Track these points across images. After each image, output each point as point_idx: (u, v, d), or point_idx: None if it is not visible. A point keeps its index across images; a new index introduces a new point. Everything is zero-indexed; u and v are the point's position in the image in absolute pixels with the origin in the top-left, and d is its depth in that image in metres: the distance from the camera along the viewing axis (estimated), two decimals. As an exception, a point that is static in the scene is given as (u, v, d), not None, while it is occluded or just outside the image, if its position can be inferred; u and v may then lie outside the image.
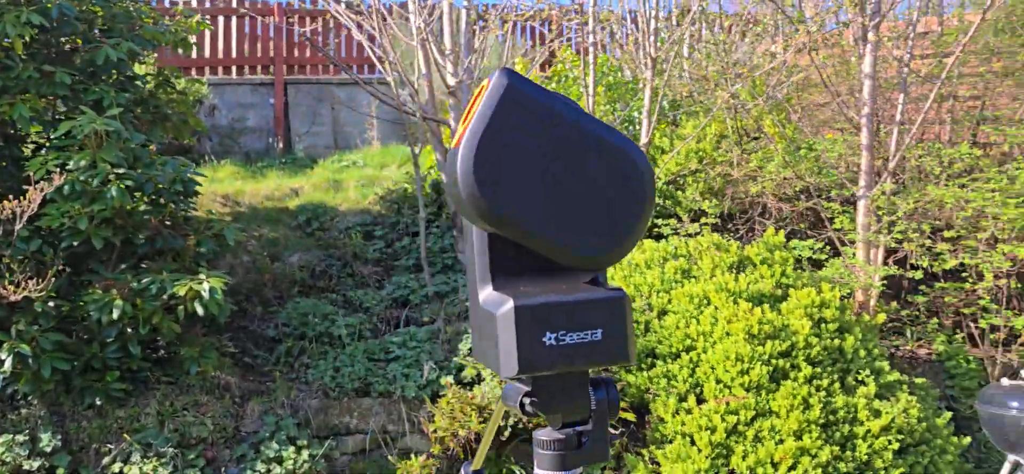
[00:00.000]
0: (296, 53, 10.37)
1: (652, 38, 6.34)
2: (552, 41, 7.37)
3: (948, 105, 7.60)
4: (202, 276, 5.09)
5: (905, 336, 7.08)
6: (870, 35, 6.05)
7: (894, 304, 6.74)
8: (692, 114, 6.94)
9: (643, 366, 5.31)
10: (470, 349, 5.34)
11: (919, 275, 6.20)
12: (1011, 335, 6.72)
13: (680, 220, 6.33)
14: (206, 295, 4.96)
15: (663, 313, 5.53)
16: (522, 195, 0.90)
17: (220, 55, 10.14)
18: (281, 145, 9.86)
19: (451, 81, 6.78)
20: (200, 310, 5.00)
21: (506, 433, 5.01)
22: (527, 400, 0.96)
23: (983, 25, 7.45)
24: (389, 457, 5.18)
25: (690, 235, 6.19)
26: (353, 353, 5.63)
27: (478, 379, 5.19)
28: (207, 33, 9.63)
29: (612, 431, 5.15)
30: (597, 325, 0.93)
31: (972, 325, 6.89)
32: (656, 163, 6.69)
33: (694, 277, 5.75)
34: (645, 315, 5.46)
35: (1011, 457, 5.30)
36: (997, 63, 7.27)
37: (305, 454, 5.02)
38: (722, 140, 6.88)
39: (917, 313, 6.98)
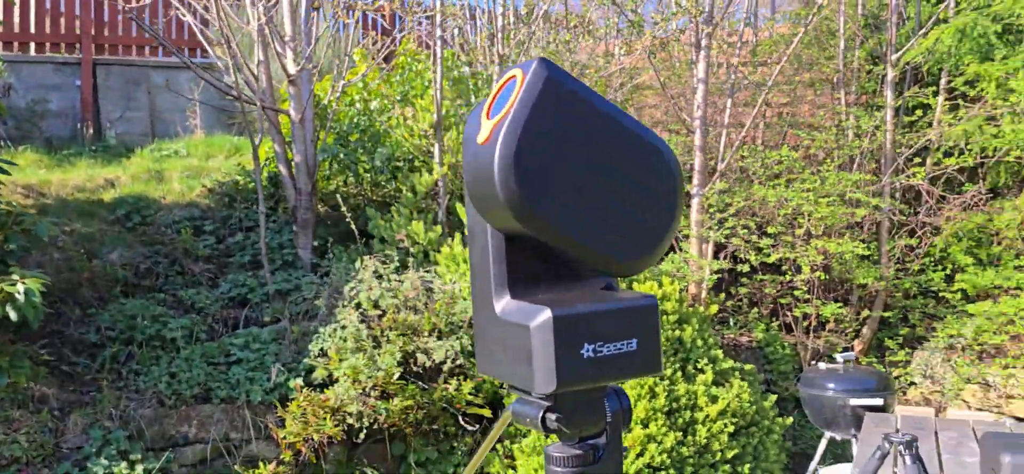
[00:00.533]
0: (106, 31, 9.50)
1: (500, 36, 6.36)
2: (396, 34, 7.22)
3: (760, 110, 8.22)
4: (15, 276, 4.54)
5: (728, 325, 7.59)
6: (703, 41, 6.40)
7: (722, 296, 7.21)
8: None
9: (497, 361, 5.33)
10: (321, 350, 5.14)
11: (746, 268, 6.66)
12: (820, 322, 7.38)
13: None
14: (21, 297, 4.43)
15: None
16: (562, 194, 0.83)
17: (17, 29, 9.11)
18: (90, 131, 9.01)
19: (292, 69, 6.49)
20: (12, 314, 4.46)
21: (361, 436, 4.86)
22: (550, 416, 0.89)
23: (781, 40, 8.12)
24: (235, 467, 4.88)
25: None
26: (189, 357, 5.25)
27: (330, 381, 5.00)
28: (1, 3, 8.62)
29: (467, 427, 5.14)
30: (632, 335, 0.87)
31: (788, 314, 7.50)
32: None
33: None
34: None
35: (827, 433, 5.83)
36: (806, 74, 7.94)
37: (139, 469, 4.62)
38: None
39: (740, 304, 7.50)
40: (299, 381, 5.02)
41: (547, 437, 0.95)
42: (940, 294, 7.52)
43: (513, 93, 0.83)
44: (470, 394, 5.04)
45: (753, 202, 6.50)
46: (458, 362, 4.99)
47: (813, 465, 5.90)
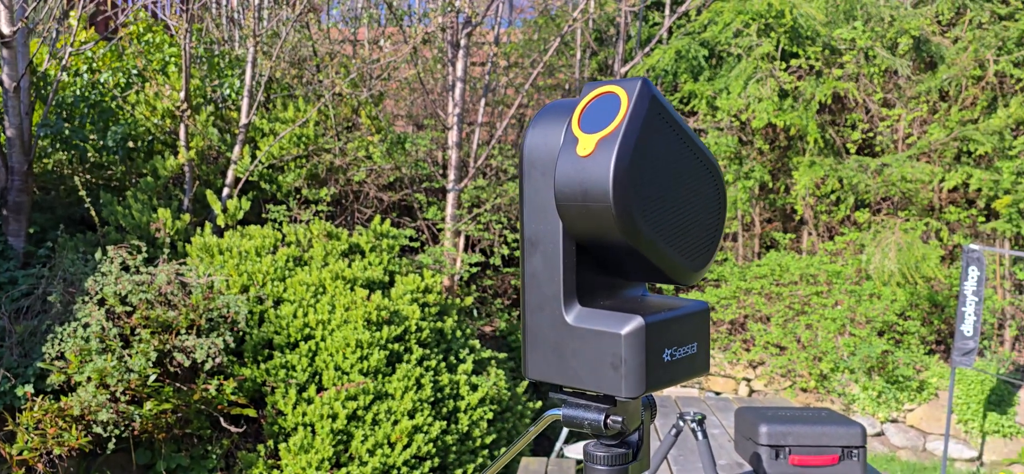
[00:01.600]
0: None
1: (256, 15, 6.05)
2: (127, 3, 6.56)
3: (498, 110, 8.63)
4: None
5: (474, 316, 7.88)
6: (462, 41, 6.59)
7: (473, 287, 7.48)
8: (292, 98, 6.80)
9: (260, 358, 5.10)
10: (59, 353, 4.55)
11: (497, 261, 6.97)
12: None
13: (289, 207, 6.18)
14: None
15: (279, 302, 5.37)
16: (658, 205, 0.89)
17: None
18: None
19: (6, 29, 5.65)
20: None
21: (110, 445, 4.40)
22: (614, 419, 0.94)
23: (532, 44, 8.63)
24: (-54, 490, 4.17)
25: (296, 220, 6.09)
26: None
27: (69, 386, 4.46)
28: None
29: (233, 428, 4.86)
30: (694, 339, 0.95)
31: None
32: (257, 146, 6.42)
33: (307, 265, 5.68)
34: (261, 305, 5.23)
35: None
36: (550, 80, 8.47)
37: None
38: (318, 126, 6.88)
39: (485, 295, 7.83)
40: (29, 388, 4.42)
41: (597, 438, 1.00)
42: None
43: (620, 111, 0.87)
44: (232, 394, 4.77)
45: (506, 199, 6.83)
46: (219, 361, 4.70)
47: (558, 445, 6.35)
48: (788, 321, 8.33)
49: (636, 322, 0.88)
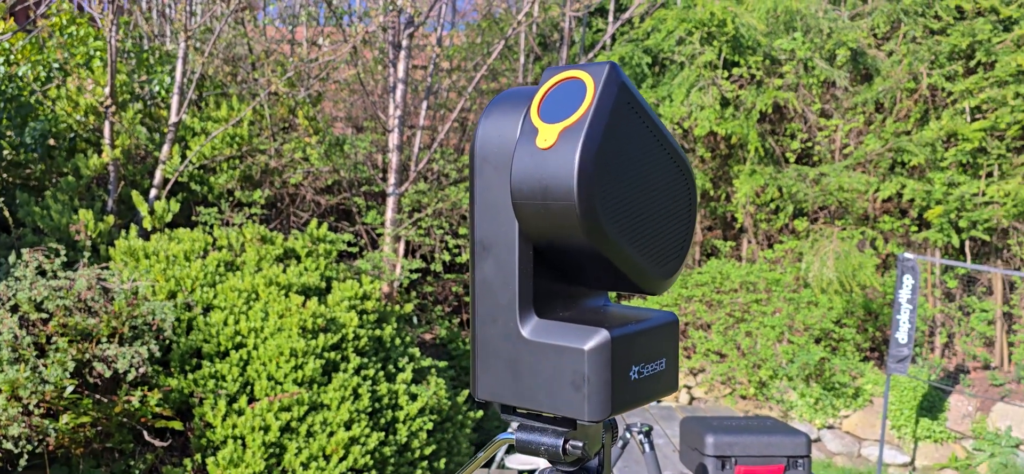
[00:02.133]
0: None
1: (187, 10, 5.81)
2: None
3: (440, 113, 8.51)
4: None
5: (413, 323, 7.72)
6: (404, 42, 6.44)
7: (413, 294, 7.31)
8: (226, 96, 6.54)
9: (187, 368, 4.86)
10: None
11: (438, 268, 6.83)
12: (499, 319, 7.81)
13: (221, 210, 5.93)
14: None
15: (208, 309, 5.13)
16: (626, 204, 0.79)
17: None
18: None
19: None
20: None
21: (22, 462, 4.11)
22: (571, 443, 0.83)
23: (475, 48, 8.53)
24: None
25: (228, 223, 5.85)
26: None
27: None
28: None
29: (158, 442, 4.61)
30: (662, 354, 0.85)
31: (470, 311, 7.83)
32: (188, 145, 6.15)
33: (239, 270, 5.45)
34: (189, 312, 4.99)
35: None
36: (493, 83, 8.37)
37: None
38: (253, 126, 6.64)
39: (425, 302, 7.67)
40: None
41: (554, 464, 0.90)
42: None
43: (586, 98, 0.77)
44: (157, 405, 4.53)
45: (447, 204, 6.70)
46: (143, 371, 4.45)
47: (499, 455, 6.24)
48: (728, 328, 8.37)
49: (601, 336, 0.78)
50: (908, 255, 6.70)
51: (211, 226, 5.87)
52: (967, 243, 8.52)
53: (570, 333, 0.79)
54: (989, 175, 8.32)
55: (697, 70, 8.33)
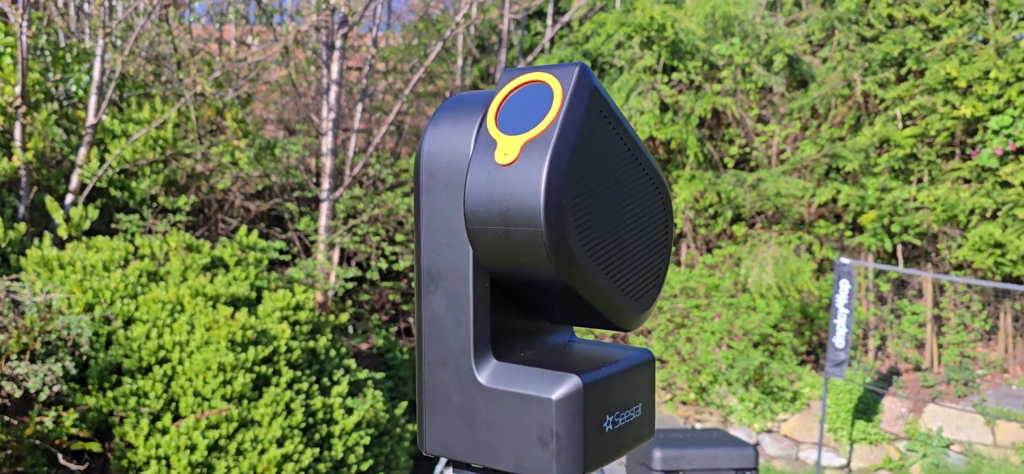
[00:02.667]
0: None
1: (106, 6, 5.49)
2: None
3: (376, 116, 8.30)
4: None
5: (349, 333, 7.50)
6: (338, 43, 6.23)
7: (348, 303, 7.08)
8: (148, 97, 6.22)
9: (106, 385, 4.57)
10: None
11: (375, 276, 6.62)
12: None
13: (143, 217, 5.62)
14: None
15: (129, 322, 4.84)
16: (600, 230, 0.68)
17: None
18: None
19: None
20: None
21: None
22: None
23: (412, 49, 8.35)
24: None
25: (150, 231, 5.55)
26: None
27: None
28: None
29: (74, 465, 4.31)
30: (638, 399, 0.74)
31: (408, 319, 7.63)
32: (107, 149, 5.81)
33: (163, 280, 5.17)
34: (108, 326, 4.70)
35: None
36: (430, 86, 8.20)
37: None
38: (178, 129, 6.33)
39: (362, 311, 7.45)
40: None
41: None
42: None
43: (553, 105, 0.65)
44: (73, 426, 4.23)
45: (384, 210, 6.50)
46: (58, 389, 4.16)
47: (439, 468, 6.07)
48: (669, 334, 8.36)
49: (571, 383, 0.66)
50: (845, 260, 6.77)
51: (132, 234, 5.56)
52: (899, 247, 8.69)
53: (535, 379, 0.68)
54: (920, 181, 8.50)
55: (637, 74, 8.31)
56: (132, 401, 4.53)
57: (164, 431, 4.50)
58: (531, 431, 0.67)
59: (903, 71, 8.56)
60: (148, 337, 4.71)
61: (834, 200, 8.72)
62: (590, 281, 0.67)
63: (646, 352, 0.75)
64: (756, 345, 8.21)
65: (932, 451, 7.59)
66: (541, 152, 0.62)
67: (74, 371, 4.32)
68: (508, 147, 0.64)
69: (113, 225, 5.63)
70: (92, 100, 5.63)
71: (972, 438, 7.67)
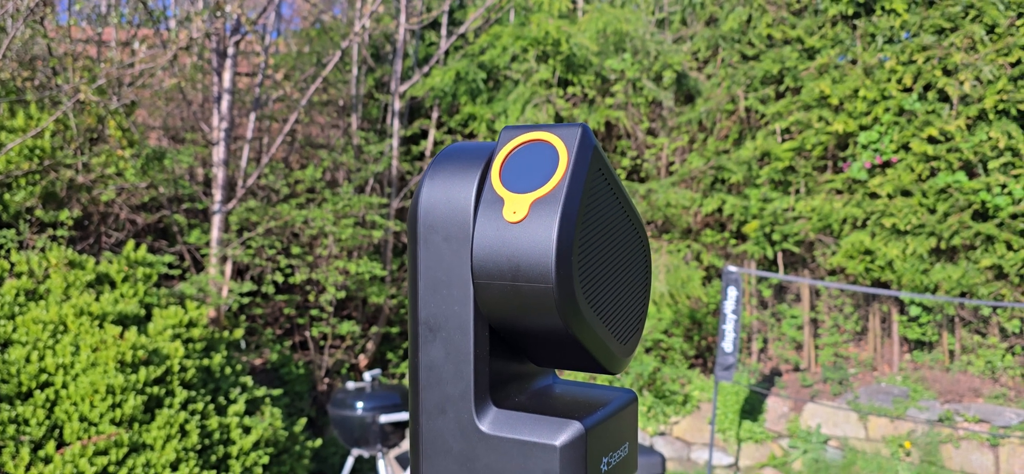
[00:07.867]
0: None
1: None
2: None
3: (290, 127, 8.09)
4: None
5: (241, 349, 7.25)
6: (230, 50, 6.04)
7: (242, 318, 6.85)
8: (22, 104, 5.82)
9: (-20, 413, 4.25)
10: None
11: (271, 290, 6.43)
12: (336, 338, 7.50)
13: (19, 232, 5.26)
14: None
15: (6, 345, 4.53)
16: (599, 283, 0.72)
17: None
18: None
19: None
20: None
21: None
22: None
23: (304, 57, 8.18)
24: None
25: (27, 246, 5.21)
26: None
27: None
28: None
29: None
30: (626, 438, 0.77)
31: (302, 333, 7.45)
32: (-23, 158, 5.41)
33: (43, 299, 4.86)
34: (-18, 349, 4.38)
35: (355, 451, 5.93)
36: (324, 95, 8.04)
37: None
38: (56, 137, 5.96)
39: (256, 326, 7.23)
40: None
41: None
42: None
43: (560, 165, 0.68)
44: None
45: (278, 222, 6.32)
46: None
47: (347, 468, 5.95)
48: (565, 342, 8.48)
49: (573, 429, 0.69)
50: (732, 268, 7.07)
51: (8, 250, 5.20)
52: (780, 254, 9.15)
53: (537, 426, 0.71)
54: (797, 192, 8.98)
55: (532, 87, 8.42)
56: (11, 429, 4.23)
57: (47, 459, 4.23)
58: None
59: (781, 88, 9.03)
60: (28, 360, 4.42)
61: (720, 210, 9.09)
62: (590, 330, 0.71)
63: (629, 392, 0.80)
64: (648, 350, 8.45)
65: (812, 447, 8.02)
66: (551, 211, 0.66)
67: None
68: (516, 205, 0.67)
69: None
70: (-41, 106, 5.24)
71: (847, 433, 8.15)
